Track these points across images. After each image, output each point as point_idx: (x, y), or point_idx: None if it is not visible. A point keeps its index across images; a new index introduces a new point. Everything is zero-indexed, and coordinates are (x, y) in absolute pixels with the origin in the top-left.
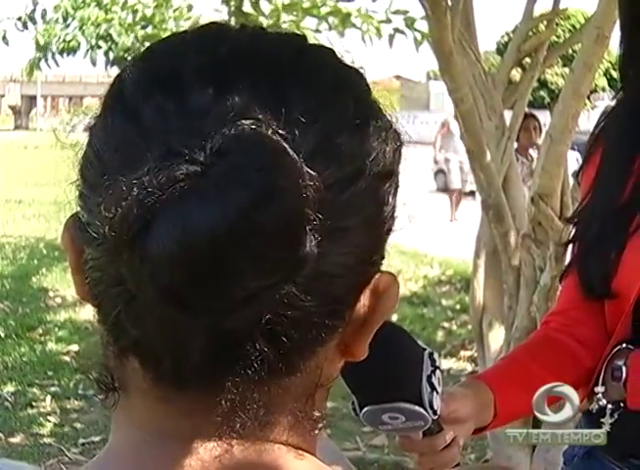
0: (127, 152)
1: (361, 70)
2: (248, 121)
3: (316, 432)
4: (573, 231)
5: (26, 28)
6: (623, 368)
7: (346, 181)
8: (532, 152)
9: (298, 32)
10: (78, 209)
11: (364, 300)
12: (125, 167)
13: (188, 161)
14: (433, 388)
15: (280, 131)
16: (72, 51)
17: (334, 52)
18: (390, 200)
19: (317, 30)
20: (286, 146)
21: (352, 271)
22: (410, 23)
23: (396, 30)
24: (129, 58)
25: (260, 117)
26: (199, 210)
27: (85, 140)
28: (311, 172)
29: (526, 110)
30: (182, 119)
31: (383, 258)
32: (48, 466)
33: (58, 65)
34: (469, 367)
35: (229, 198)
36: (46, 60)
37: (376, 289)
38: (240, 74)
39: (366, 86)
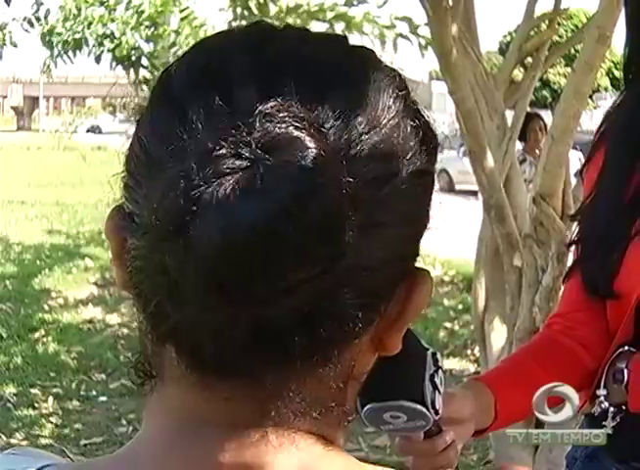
0: (173, 145)
1: (400, 72)
2: (291, 119)
3: (346, 424)
4: (577, 232)
5: (33, 27)
6: (625, 371)
7: (384, 178)
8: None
9: (340, 34)
10: (123, 200)
11: (399, 294)
12: (171, 160)
13: (234, 155)
14: (435, 387)
15: (322, 129)
16: (78, 48)
17: (374, 53)
18: (426, 198)
19: None
20: (328, 144)
21: (388, 266)
22: (414, 28)
23: (400, 35)
24: (134, 57)
25: (303, 115)
26: (243, 203)
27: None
28: (351, 169)
29: (531, 110)
30: (227, 115)
31: (417, 254)
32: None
33: (72, 62)
34: (471, 367)
35: (273, 193)
36: (61, 57)
37: (411, 284)
38: (284, 75)
39: (405, 87)
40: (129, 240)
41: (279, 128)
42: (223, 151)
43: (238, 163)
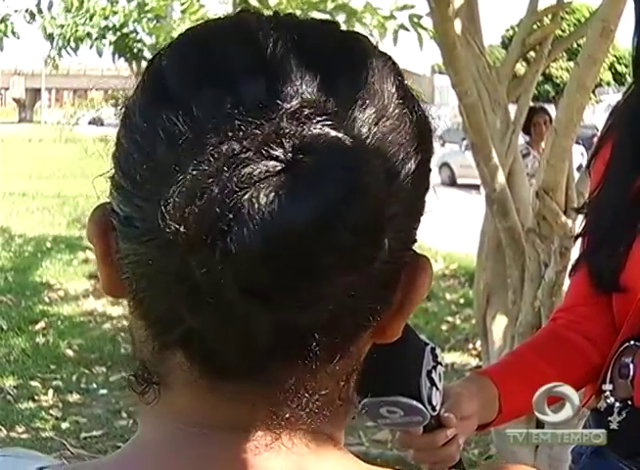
0: (184, 148)
1: (392, 57)
2: (321, 117)
3: (347, 417)
4: (583, 225)
5: (34, 20)
6: (631, 365)
7: (395, 169)
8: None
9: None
10: (115, 202)
11: (402, 282)
12: (186, 164)
13: (266, 157)
14: (432, 383)
15: (353, 125)
16: (81, 41)
17: (368, 38)
18: (426, 184)
19: None
20: (361, 139)
21: (396, 256)
22: (416, 19)
23: (401, 27)
24: (136, 49)
25: (331, 111)
26: (288, 206)
27: (118, 130)
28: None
29: (535, 104)
30: (242, 114)
31: (416, 240)
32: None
33: (77, 54)
34: (473, 362)
35: (320, 194)
36: (66, 49)
37: (412, 270)
38: (291, 67)
39: (401, 73)
40: (124, 244)
41: (314, 128)
42: (250, 154)
43: (272, 164)
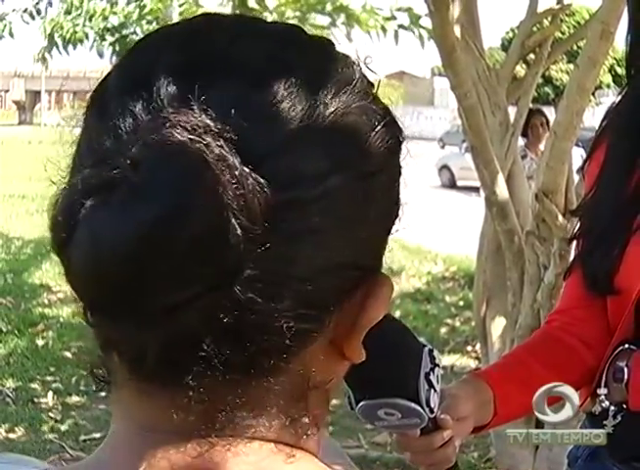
0: (86, 153)
1: (359, 64)
2: (180, 128)
3: (309, 433)
4: (578, 227)
5: (33, 19)
6: (625, 369)
7: (316, 179)
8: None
9: (295, 24)
10: None
11: (354, 301)
12: (77, 170)
13: (112, 168)
14: (430, 385)
15: (226, 134)
16: (80, 42)
17: (327, 46)
18: (380, 198)
19: (323, 27)
20: (224, 152)
21: (330, 275)
22: (415, 19)
23: (401, 27)
24: None
25: (206, 121)
26: (107, 222)
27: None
28: (259, 178)
29: (532, 106)
30: (135, 123)
31: (378, 259)
32: (49, 462)
33: (68, 53)
34: (472, 364)
35: (135, 213)
36: (58, 48)
37: (367, 291)
38: (207, 76)
39: (357, 77)
40: None
41: (157, 138)
42: (105, 163)
43: (112, 176)
